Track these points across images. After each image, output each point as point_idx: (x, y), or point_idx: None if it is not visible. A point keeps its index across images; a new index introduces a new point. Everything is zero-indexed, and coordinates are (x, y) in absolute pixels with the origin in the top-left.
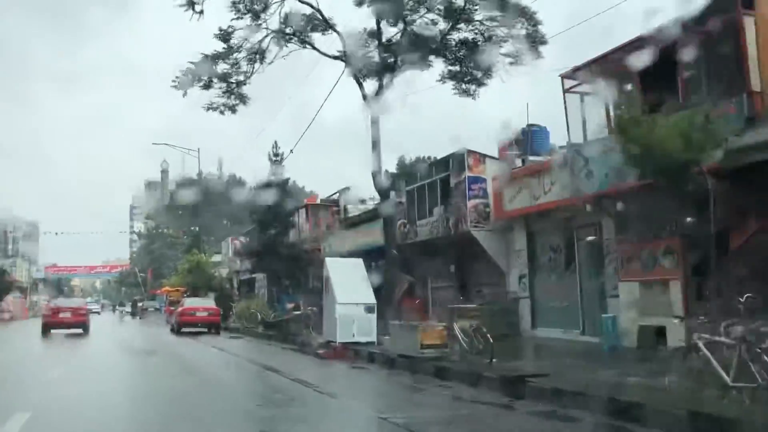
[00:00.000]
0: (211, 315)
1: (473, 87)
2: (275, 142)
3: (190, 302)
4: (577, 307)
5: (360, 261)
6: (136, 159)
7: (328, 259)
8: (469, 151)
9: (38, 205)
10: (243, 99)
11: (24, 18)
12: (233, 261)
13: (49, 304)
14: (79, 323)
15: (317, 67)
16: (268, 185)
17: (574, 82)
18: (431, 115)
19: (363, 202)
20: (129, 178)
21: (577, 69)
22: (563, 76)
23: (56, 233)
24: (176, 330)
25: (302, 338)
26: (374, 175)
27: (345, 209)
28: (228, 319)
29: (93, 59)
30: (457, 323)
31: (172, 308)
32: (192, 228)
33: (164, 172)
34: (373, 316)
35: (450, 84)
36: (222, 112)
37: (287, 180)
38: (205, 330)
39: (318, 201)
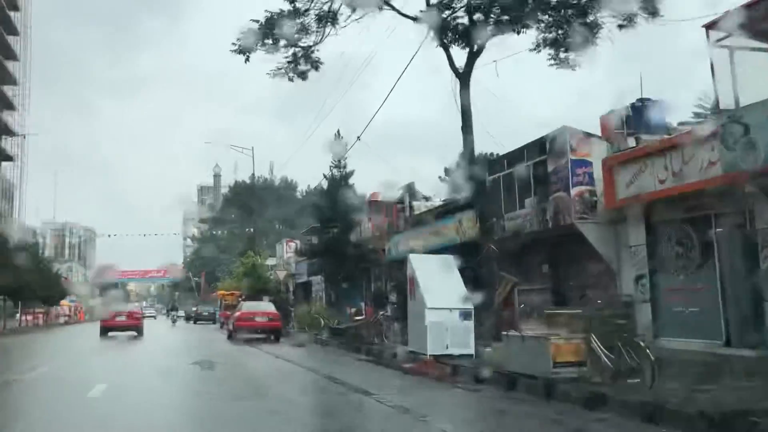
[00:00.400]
0: (271, 320)
1: (574, 55)
2: (338, 131)
3: (248, 306)
4: (718, 314)
5: (451, 258)
6: (189, 165)
7: (412, 256)
8: (572, 130)
9: (95, 211)
10: (315, 64)
11: (83, 31)
12: (288, 264)
13: (107, 308)
14: (134, 326)
15: (372, 64)
16: (332, 179)
17: (723, 34)
18: (516, 96)
19: (428, 199)
20: (182, 183)
21: (727, 16)
22: (708, 27)
23: (110, 235)
24: (233, 336)
25: (377, 348)
26: (464, 158)
27: (410, 206)
28: (287, 325)
29: (148, 68)
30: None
31: (228, 313)
32: (247, 229)
33: (217, 177)
34: (471, 324)
35: (545, 53)
36: (291, 79)
37: (352, 172)
38: (264, 336)
39: (380, 198)
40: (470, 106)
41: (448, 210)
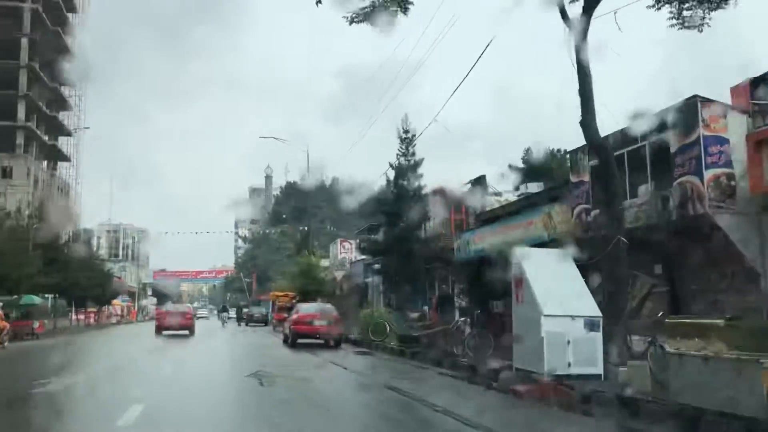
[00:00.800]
0: (332, 324)
1: (701, 12)
2: (405, 116)
3: (306, 309)
4: None
5: (567, 252)
6: (241, 168)
7: (520, 250)
8: (704, 100)
9: (149, 214)
10: (404, 4)
11: (136, 39)
12: (342, 264)
13: (161, 309)
14: (186, 326)
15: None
16: (398, 168)
17: None
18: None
19: (498, 194)
20: (234, 186)
21: None
22: None
23: (165, 233)
24: (290, 342)
25: (463, 361)
26: (585, 126)
27: (483, 203)
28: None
29: (200, 74)
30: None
31: (286, 315)
32: (301, 228)
33: (268, 178)
34: (598, 336)
35: (666, 11)
36: (373, 23)
37: (421, 161)
38: (323, 342)
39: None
40: (589, 65)
41: (533, 202)
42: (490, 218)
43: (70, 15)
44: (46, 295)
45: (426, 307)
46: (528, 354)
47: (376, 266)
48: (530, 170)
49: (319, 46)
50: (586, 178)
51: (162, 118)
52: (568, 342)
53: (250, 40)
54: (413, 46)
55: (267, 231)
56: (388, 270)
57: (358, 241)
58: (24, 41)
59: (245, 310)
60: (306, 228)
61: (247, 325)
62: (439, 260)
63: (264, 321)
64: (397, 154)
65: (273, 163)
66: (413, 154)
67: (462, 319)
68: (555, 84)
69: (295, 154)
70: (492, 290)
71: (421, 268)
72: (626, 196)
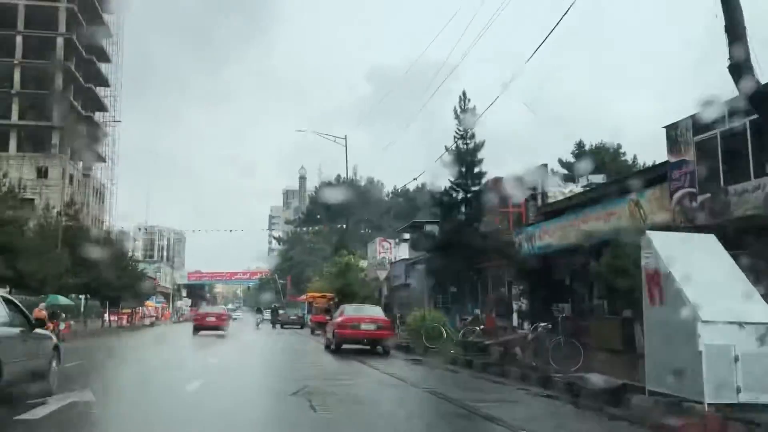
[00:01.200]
0: (381, 329)
1: None
2: (463, 93)
3: (352, 311)
4: None
5: (713, 239)
6: (274, 170)
7: (655, 236)
8: None
9: (183, 214)
10: None
11: (172, 43)
12: (382, 264)
13: (198, 310)
14: (221, 326)
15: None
16: (457, 152)
17: None
18: None
19: (572, 181)
20: (268, 187)
21: None
22: None
23: (197, 230)
24: (334, 347)
25: (559, 377)
26: (735, 69)
27: (544, 194)
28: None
29: (234, 77)
30: None
31: (326, 318)
32: (339, 226)
33: (302, 179)
34: None
35: None
36: None
37: (482, 144)
38: (368, 347)
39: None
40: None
41: (621, 188)
42: (555, 211)
43: (105, 16)
44: (78, 296)
45: (477, 310)
46: (671, 373)
47: (420, 266)
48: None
49: (352, 48)
50: (690, 156)
51: (195, 119)
52: (736, 358)
53: (282, 42)
54: (447, 44)
55: (302, 230)
56: (439, 268)
57: (407, 236)
58: (59, 41)
59: (281, 311)
60: (345, 225)
61: (282, 327)
62: (502, 257)
63: (300, 323)
64: (455, 137)
65: (308, 164)
66: (473, 136)
67: (543, 324)
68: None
69: (328, 155)
70: (560, 291)
71: (475, 266)
72: (750, 176)
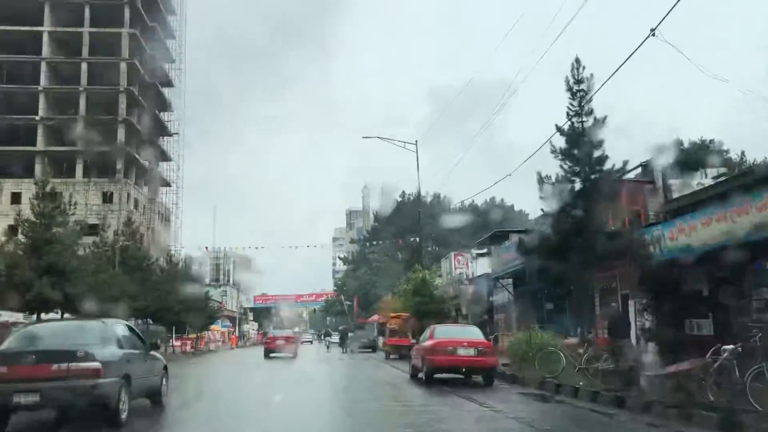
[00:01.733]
0: (482, 354)
1: None
2: (576, 60)
3: (445, 333)
4: None
5: None
6: (336, 192)
7: None
8: None
9: (248, 239)
10: None
11: (236, 71)
12: (459, 281)
13: (268, 333)
14: (291, 349)
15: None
16: (572, 131)
17: None
18: None
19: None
20: (331, 209)
21: None
22: None
23: (257, 247)
24: (424, 377)
25: None
26: None
27: (667, 188)
28: None
29: (294, 104)
30: None
31: (414, 341)
32: (412, 238)
33: (365, 198)
34: None
35: None
36: None
37: (603, 120)
38: (463, 376)
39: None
40: None
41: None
42: (685, 207)
43: (168, 41)
44: (139, 321)
45: (584, 329)
46: None
47: (507, 280)
48: (685, 161)
49: (411, 70)
50: None
51: (259, 145)
52: None
53: (341, 70)
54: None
55: (368, 247)
56: (543, 279)
57: (465, 256)
58: (123, 66)
59: (350, 334)
60: (417, 239)
61: (353, 351)
62: (635, 262)
63: (371, 346)
64: (568, 114)
65: (371, 183)
66: (590, 112)
67: (731, 347)
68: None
69: (392, 173)
70: (696, 303)
71: (591, 275)
72: None
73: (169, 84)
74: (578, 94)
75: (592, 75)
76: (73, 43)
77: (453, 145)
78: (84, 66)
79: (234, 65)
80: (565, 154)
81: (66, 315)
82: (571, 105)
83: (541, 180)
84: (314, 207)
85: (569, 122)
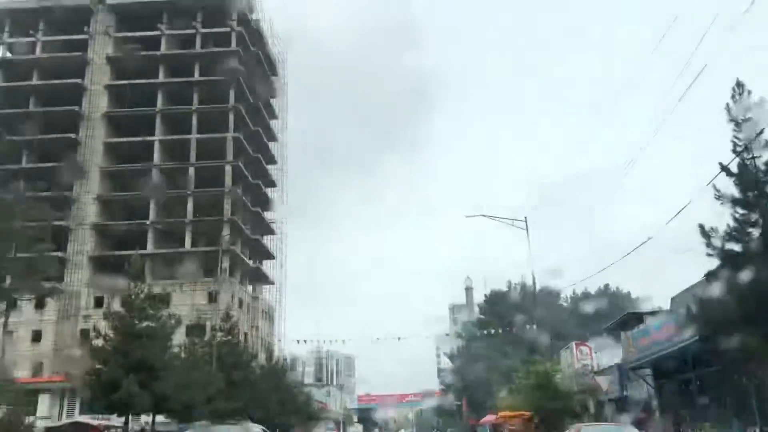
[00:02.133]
0: None
1: None
2: (737, 83)
3: None
4: None
5: None
6: (437, 289)
7: None
8: None
9: (349, 335)
10: None
11: (333, 171)
12: (584, 374)
13: None
14: None
15: None
16: (742, 173)
17: None
18: None
19: None
20: (433, 305)
21: None
22: None
23: (350, 339)
24: None
25: None
26: None
27: None
28: None
29: (390, 200)
30: None
31: None
32: (528, 326)
33: (468, 290)
34: None
35: None
36: None
37: None
38: None
39: None
40: None
41: None
42: None
43: (270, 144)
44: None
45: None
46: None
47: (646, 371)
48: None
49: (508, 164)
50: None
51: (358, 243)
52: None
53: (439, 165)
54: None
55: (476, 336)
56: (702, 364)
57: (580, 350)
58: (227, 168)
59: None
60: (534, 326)
61: None
62: None
63: None
64: (734, 147)
65: (473, 275)
66: (766, 145)
67: None
68: None
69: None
70: None
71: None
72: None
73: (272, 184)
74: (744, 124)
75: (761, 99)
76: (183, 149)
77: (554, 236)
78: (191, 170)
79: (331, 167)
80: (735, 202)
81: (159, 418)
82: (736, 138)
83: (705, 233)
84: (416, 302)
85: (737, 158)
